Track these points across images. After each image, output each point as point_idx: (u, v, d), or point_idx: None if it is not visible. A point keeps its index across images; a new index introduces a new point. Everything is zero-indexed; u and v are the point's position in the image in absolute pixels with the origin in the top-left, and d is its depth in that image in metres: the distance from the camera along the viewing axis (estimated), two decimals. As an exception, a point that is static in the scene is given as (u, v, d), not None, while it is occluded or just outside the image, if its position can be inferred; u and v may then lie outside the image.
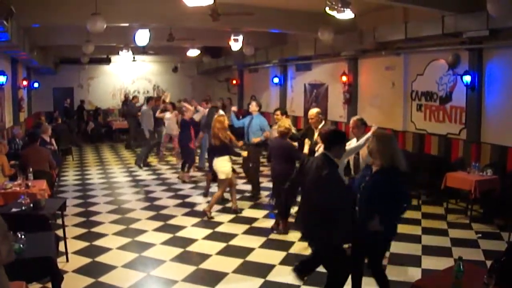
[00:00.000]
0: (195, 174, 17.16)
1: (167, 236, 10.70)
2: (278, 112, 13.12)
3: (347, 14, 11.39)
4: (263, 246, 10.13)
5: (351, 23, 15.29)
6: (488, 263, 8.28)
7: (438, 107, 14.95)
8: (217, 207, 12.83)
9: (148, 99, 20.65)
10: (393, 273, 8.57)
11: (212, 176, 13.80)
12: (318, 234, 6.59)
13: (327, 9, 11.15)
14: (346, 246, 7.21)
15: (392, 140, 6.81)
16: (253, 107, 14.39)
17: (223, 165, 12.15)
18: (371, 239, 6.55)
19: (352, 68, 18.80)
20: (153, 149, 20.24)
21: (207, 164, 15.63)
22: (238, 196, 13.45)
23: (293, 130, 12.13)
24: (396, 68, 16.61)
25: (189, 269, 8.83)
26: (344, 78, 18.93)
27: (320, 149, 9.00)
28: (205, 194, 14.17)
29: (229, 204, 12.80)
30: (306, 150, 11.04)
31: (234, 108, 19.46)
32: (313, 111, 11.33)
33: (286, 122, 10.95)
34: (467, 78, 13.30)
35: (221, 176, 12.21)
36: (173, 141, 19.54)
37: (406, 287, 6.46)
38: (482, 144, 13.38)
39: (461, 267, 5.42)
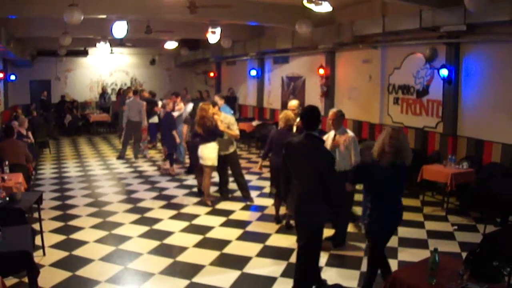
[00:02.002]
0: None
1: (144, 229, 10.70)
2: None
3: (325, 7, 11.44)
4: (240, 238, 10.18)
5: (329, 17, 15.39)
6: (464, 255, 8.26)
7: (415, 101, 15.03)
8: (193, 199, 12.93)
9: (135, 92, 20.39)
10: (369, 265, 8.68)
11: (189, 168, 13.82)
12: (315, 211, 6.87)
13: (305, 2, 11.19)
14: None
15: (405, 136, 7.04)
16: (218, 101, 14.37)
17: (210, 152, 12.20)
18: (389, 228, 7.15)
19: (329, 61, 18.84)
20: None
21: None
22: (214, 189, 13.54)
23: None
24: (373, 61, 16.68)
25: (166, 261, 8.84)
26: (322, 71, 18.98)
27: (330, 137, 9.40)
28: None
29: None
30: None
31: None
32: (294, 102, 11.32)
33: (291, 115, 10.82)
34: (444, 72, 13.37)
35: (208, 162, 12.27)
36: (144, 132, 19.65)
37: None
38: (459, 137, 13.47)
39: (436, 258, 5.48)
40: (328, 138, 9.43)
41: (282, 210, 11.04)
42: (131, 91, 21.86)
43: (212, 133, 12.15)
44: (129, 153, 19.48)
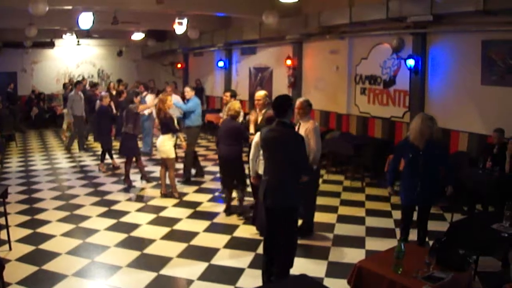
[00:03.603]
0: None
1: (111, 221, 10.64)
2: (228, 94, 12.89)
3: (291, -3, 11.45)
4: (207, 230, 10.17)
5: (296, 7, 15.41)
6: (431, 243, 8.42)
7: (382, 91, 15.12)
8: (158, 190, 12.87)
9: (76, 84, 20.24)
10: (337, 254, 8.78)
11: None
12: (292, 197, 6.95)
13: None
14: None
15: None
16: (188, 92, 14.28)
17: (163, 144, 12.21)
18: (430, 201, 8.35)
19: (296, 52, 18.84)
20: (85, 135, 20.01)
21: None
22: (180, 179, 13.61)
23: (241, 114, 12.16)
24: (340, 52, 16.72)
25: (134, 254, 8.81)
26: (289, 62, 18.98)
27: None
28: (144, 178, 14.16)
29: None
30: (252, 129, 11.23)
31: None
32: (261, 93, 11.27)
33: (236, 105, 11.06)
34: (411, 62, 13.46)
35: (162, 155, 12.35)
36: None
37: (349, 268, 6.52)
38: (426, 127, 13.54)
39: (402, 247, 5.52)
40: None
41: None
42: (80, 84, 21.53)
43: (165, 125, 12.22)
44: (97, 145, 19.33)
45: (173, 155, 12.27)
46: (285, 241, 7.06)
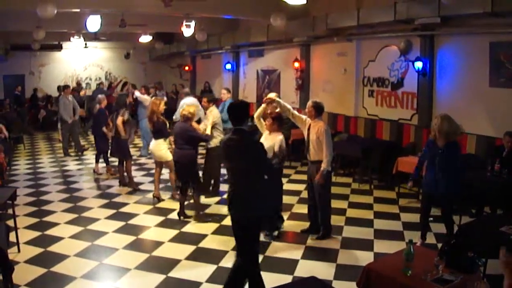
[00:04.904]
0: (145, 162, 17.17)
1: (119, 224, 10.66)
2: (205, 99, 12.65)
3: (299, 0, 11.42)
4: (215, 232, 10.17)
5: (303, 9, 15.38)
6: (440, 246, 8.41)
7: (390, 93, 15.08)
8: (168, 194, 12.92)
9: (64, 88, 19.97)
10: (345, 257, 8.77)
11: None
12: (257, 205, 6.72)
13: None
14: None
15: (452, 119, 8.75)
16: (225, 94, 14.32)
17: (158, 148, 12.23)
18: (447, 195, 8.74)
19: (304, 54, 18.83)
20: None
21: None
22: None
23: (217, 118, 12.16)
24: (348, 54, 16.69)
25: (142, 256, 8.82)
26: (297, 64, 18.96)
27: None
28: (122, 183, 14.10)
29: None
30: (208, 131, 11.57)
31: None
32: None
33: (191, 108, 11.15)
34: (419, 64, 13.44)
35: (159, 159, 12.38)
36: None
37: (358, 270, 6.51)
38: (433, 129, 13.51)
39: (411, 249, 5.51)
40: (306, 122, 9.59)
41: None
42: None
43: (157, 130, 12.20)
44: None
45: (170, 157, 12.15)
46: (247, 249, 6.83)
